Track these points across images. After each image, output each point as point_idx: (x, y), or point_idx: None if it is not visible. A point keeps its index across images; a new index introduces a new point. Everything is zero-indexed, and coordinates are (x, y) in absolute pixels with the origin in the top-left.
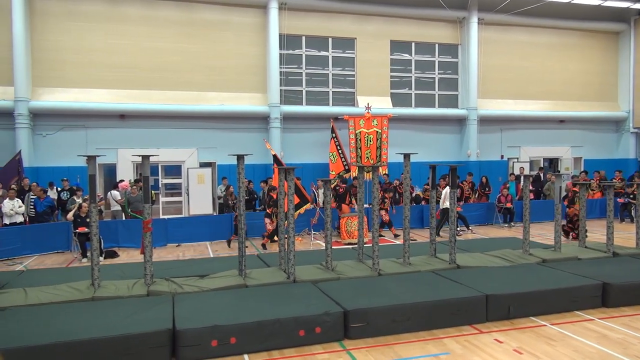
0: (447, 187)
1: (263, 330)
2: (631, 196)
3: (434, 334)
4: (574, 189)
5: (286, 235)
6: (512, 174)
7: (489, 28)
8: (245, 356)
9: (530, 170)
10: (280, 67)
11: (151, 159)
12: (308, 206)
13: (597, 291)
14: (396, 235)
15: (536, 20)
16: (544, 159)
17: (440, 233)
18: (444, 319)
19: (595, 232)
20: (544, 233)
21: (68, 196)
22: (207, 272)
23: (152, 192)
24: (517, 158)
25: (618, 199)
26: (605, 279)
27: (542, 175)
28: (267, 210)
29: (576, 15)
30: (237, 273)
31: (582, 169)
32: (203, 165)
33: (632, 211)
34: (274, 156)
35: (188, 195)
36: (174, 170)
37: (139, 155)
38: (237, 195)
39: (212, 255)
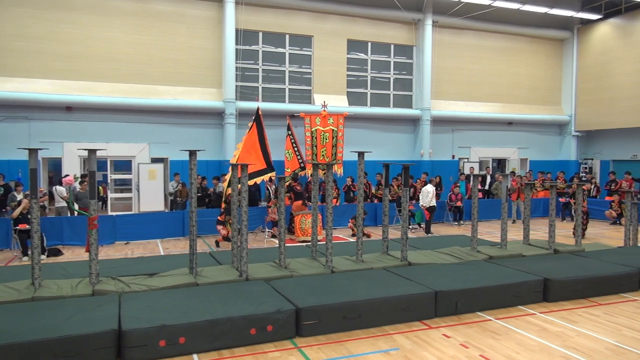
0: (429, 185)
1: (213, 329)
2: (572, 196)
3: (385, 330)
4: (585, 187)
5: (239, 233)
6: (463, 173)
7: (442, 31)
8: (195, 356)
9: (480, 170)
10: (236, 63)
11: (99, 153)
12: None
13: (539, 287)
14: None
15: (487, 25)
16: (492, 159)
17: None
18: (394, 315)
19: (539, 230)
20: (491, 231)
21: (2, 192)
22: (156, 270)
23: (100, 187)
24: (468, 158)
25: (560, 199)
26: (547, 275)
27: (489, 175)
28: (219, 217)
29: (524, 21)
30: (187, 271)
31: (528, 170)
32: (155, 160)
33: (573, 210)
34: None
35: (138, 191)
36: (123, 165)
37: (86, 150)
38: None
39: (162, 253)
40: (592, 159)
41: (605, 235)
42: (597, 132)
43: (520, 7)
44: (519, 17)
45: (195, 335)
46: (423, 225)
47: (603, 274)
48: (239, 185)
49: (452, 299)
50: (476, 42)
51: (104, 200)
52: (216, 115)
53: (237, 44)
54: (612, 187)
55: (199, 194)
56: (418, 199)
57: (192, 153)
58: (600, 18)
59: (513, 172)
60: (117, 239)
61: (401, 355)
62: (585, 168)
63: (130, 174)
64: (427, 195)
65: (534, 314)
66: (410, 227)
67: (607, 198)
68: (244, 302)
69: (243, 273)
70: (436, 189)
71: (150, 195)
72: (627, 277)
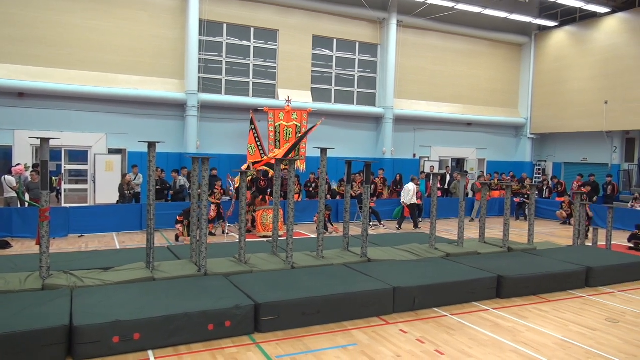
0: (411, 184)
1: (170, 325)
2: (526, 196)
3: (343, 326)
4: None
5: (197, 227)
6: (423, 172)
7: (407, 31)
8: (150, 352)
9: (440, 169)
10: (200, 54)
11: (54, 142)
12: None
13: (493, 283)
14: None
15: (450, 27)
16: (452, 158)
17: (353, 227)
18: (353, 311)
19: (494, 228)
20: (449, 229)
21: None
22: (111, 264)
23: (53, 178)
24: (428, 157)
25: (515, 199)
26: (500, 272)
27: (448, 174)
28: (178, 218)
29: (486, 25)
30: (144, 266)
31: (485, 170)
32: (112, 152)
33: (526, 210)
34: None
35: (94, 183)
36: (79, 156)
37: (38, 138)
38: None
39: (118, 247)
40: (545, 161)
41: (555, 234)
42: (550, 135)
43: (482, 11)
44: (481, 21)
45: (150, 331)
46: (384, 223)
47: (552, 272)
48: (199, 179)
49: (410, 295)
50: (439, 44)
51: (57, 192)
52: (178, 107)
53: (200, 34)
54: (560, 189)
55: (157, 187)
56: (379, 196)
57: (151, 145)
58: (557, 25)
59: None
60: (70, 232)
61: (358, 350)
62: (539, 169)
63: (86, 164)
64: (408, 193)
65: (488, 310)
66: (371, 224)
67: (558, 199)
68: (202, 298)
69: (202, 268)
70: (397, 187)
71: (107, 187)
72: (575, 274)
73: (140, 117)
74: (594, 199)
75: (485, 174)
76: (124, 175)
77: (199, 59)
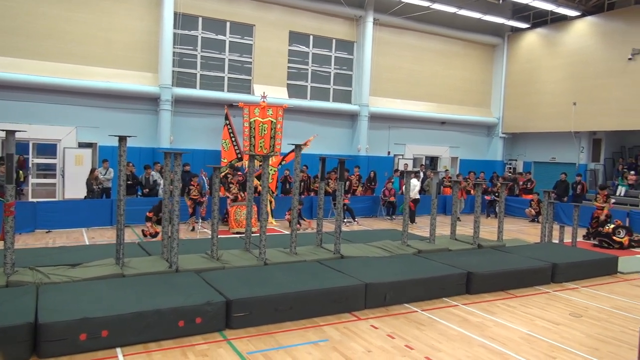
0: (414, 179)
1: (139, 321)
2: (496, 194)
3: (315, 322)
4: (604, 192)
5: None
6: (397, 169)
7: (383, 29)
8: (118, 349)
9: (413, 167)
10: (174, 48)
11: (20, 135)
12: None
13: (463, 279)
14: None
15: (426, 26)
16: (425, 156)
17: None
18: (325, 307)
19: (465, 225)
20: (422, 226)
21: None
22: (79, 260)
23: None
24: (402, 155)
25: (485, 197)
26: (470, 268)
27: (422, 172)
28: (148, 214)
29: (460, 26)
30: (113, 262)
31: (458, 168)
32: (82, 145)
33: (497, 208)
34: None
35: (63, 177)
36: (48, 149)
37: (3, 130)
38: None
39: (87, 243)
40: (516, 160)
41: (524, 231)
42: (521, 135)
43: (457, 12)
44: (456, 21)
45: (119, 328)
46: (358, 220)
47: (520, 268)
48: (172, 174)
49: (381, 291)
50: (415, 43)
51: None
52: (151, 101)
53: (175, 28)
54: (529, 186)
55: (129, 182)
56: (353, 193)
57: (122, 139)
58: (529, 27)
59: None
60: (37, 227)
61: (330, 346)
62: (510, 168)
63: (55, 158)
64: (413, 188)
65: (457, 305)
66: (345, 221)
67: (525, 197)
68: (173, 294)
69: (173, 264)
70: (371, 184)
71: (77, 181)
72: (541, 270)
73: (112, 111)
74: (564, 198)
75: (453, 173)
76: (92, 170)
77: (174, 52)
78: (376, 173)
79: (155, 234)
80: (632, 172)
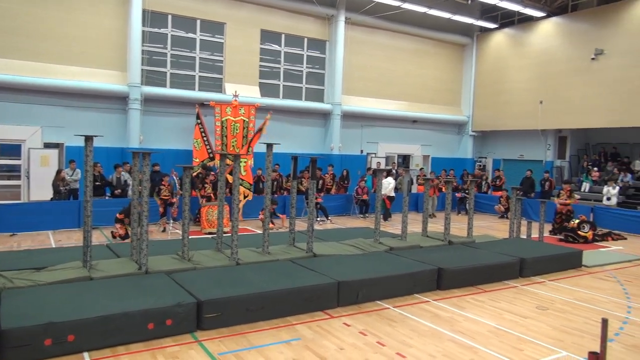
0: (390, 178)
1: (107, 325)
2: (467, 191)
3: (288, 321)
4: (568, 187)
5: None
6: (370, 168)
7: (355, 28)
8: (85, 354)
9: (386, 165)
10: (143, 46)
11: None
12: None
13: (433, 275)
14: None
15: (397, 25)
16: (398, 155)
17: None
18: (297, 306)
19: (438, 222)
20: (395, 223)
21: None
22: (45, 264)
23: None
24: (375, 153)
25: (456, 194)
26: (440, 264)
27: (394, 170)
28: (118, 215)
29: (431, 25)
30: (80, 264)
31: (429, 166)
32: (48, 146)
33: (467, 205)
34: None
35: (28, 178)
36: (12, 150)
37: None
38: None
39: (54, 246)
40: (485, 158)
41: (494, 227)
42: (490, 133)
43: (427, 11)
44: (426, 21)
45: (86, 332)
46: (331, 218)
47: (489, 263)
48: (140, 174)
49: (354, 288)
50: (387, 42)
51: None
52: (119, 100)
53: (144, 25)
54: (497, 183)
55: (97, 183)
56: (327, 191)
57: (88, 139)
58: (497, 27)
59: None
60: (1, 230)
61: (302, 345)
62: (480, 165)
63: (20, 159)
64: (388, 185)
65: (428, 301)
66: (318, 219)
67: (494, 193)
68: (142, 296)
69: (142, 266)
70: (344, 183)
71: (42, 183)
72: (509, 265)
73: (79, 110)
74: (530, 194)
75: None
76: (58, 171)
77: (143, 50)
78: (349, 172)
79: (125, 236)
80: (596, 169)
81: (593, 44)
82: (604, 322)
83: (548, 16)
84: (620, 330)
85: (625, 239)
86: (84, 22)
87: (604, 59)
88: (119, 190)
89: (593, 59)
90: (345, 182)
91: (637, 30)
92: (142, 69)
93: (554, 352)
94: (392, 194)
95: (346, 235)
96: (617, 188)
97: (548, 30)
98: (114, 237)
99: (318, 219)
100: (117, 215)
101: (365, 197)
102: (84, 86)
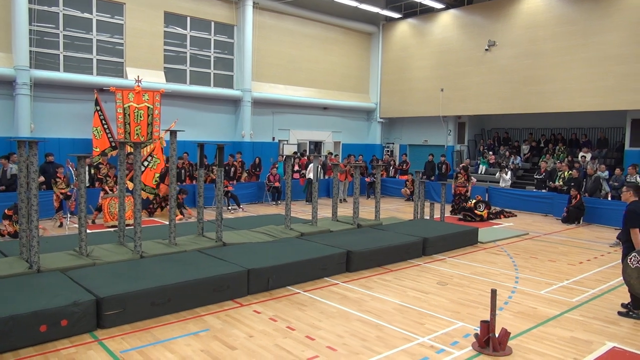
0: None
1: None
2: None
3: (196, 312)
4: (464, 173)
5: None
6: (282, 155)
7: (263, 13)
8: None
9: (298, 151)
10: (31, 25)
11: None
12: None
13: (342, 258)
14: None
15: (305, 12)
16: (309, 141)
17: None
18: (206, 296)
19: (349, 207)
20: (306, 209)
21: None
22: None
23: None
24: (287, 140)
25: (365, 179)
26: (349, 247)
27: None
28: (6, 211)
29: (339, 13)
30: None
31: (341, 152)
32: None
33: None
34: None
35: None
36: None
37: None
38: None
39: None
40: (393, 143)
41: (401, 210)
42: (397, 119)
43: None
44: (334, 8)
45: None
46: (243, 206)
47: (395, 244)
48: (27, 165)
49: (264, 276)
50: (296, 28)
51: None
52: (5, 84)
53: (31, 3)
54: (404, 167)
55: None
56: (238, 179)
57: None
58: (401, 17)
59: (329, 154)
60: None
61: (210, 335)
62: (388, 151)
63: None
64: (311, 170)
65: (337, 283)
66: (229, 207)
67: (401, 177)
68: (33, 297)
69: (34, 264)
70: (255, 170)
71: None
72: (414, 245)
73: None
74: (432, 177)
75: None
76: None
77: (31, 30)
78: (261, 159)
79: (16, 234)
80: (491, 153)
81: (486, 35)
82: (493, 293)
83: (447, 8)
84: (508, 299)
85: (516, 216)
86: None
87: (496, 49)
88: (3, 187)
89: (487, 49)
90: (257, 169)
91: (525, 23)
92: (30, 51)
93: (451, 324)
94: (310, 175)
95: (258, 222)
96: (509, 173)
97: (447, 21)
98: (2, 235)
99: (230, 207)
100: (6, 211)
101: (277, 184)
102: None
